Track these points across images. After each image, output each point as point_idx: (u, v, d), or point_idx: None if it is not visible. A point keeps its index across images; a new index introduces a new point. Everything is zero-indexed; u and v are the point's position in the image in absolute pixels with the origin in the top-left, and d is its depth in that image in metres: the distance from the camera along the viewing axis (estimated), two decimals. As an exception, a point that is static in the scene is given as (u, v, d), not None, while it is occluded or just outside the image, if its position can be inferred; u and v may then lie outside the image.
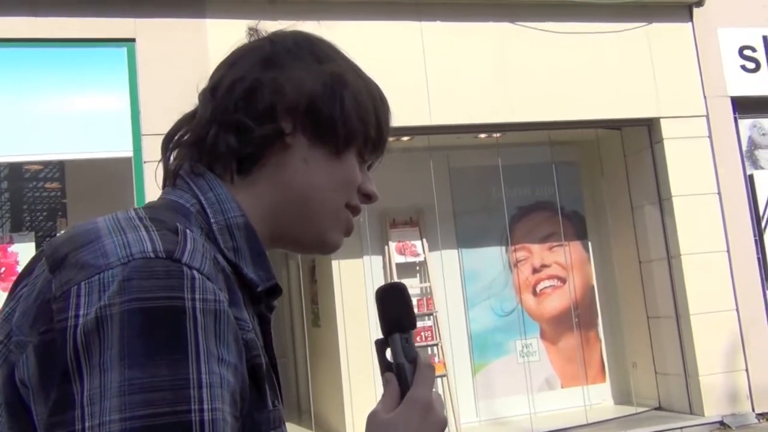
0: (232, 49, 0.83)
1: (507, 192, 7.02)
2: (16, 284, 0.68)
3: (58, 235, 0.70)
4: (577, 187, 7.71)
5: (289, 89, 0.77)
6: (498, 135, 7.00)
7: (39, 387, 0.59)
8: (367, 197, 0.84)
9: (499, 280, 7.33)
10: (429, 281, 6.85)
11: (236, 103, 0.76)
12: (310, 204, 0.79)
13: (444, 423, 0.76)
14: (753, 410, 6.58)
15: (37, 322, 0.60)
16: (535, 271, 7.42)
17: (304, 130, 0.77)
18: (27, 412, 0.60)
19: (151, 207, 0.74)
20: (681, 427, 6.38)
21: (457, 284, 7.13)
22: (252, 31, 0.84)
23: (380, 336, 0.83)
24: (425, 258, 6.75)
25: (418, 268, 6.90)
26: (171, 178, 0.78)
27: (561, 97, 6.51)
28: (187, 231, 0.66)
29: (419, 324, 6.79)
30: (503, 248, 7.35)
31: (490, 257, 7.29)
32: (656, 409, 6.97)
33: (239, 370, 0.64)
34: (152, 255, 0.61)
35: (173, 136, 0.80)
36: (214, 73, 0.82)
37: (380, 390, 0.78)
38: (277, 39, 0.82)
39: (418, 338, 6.72)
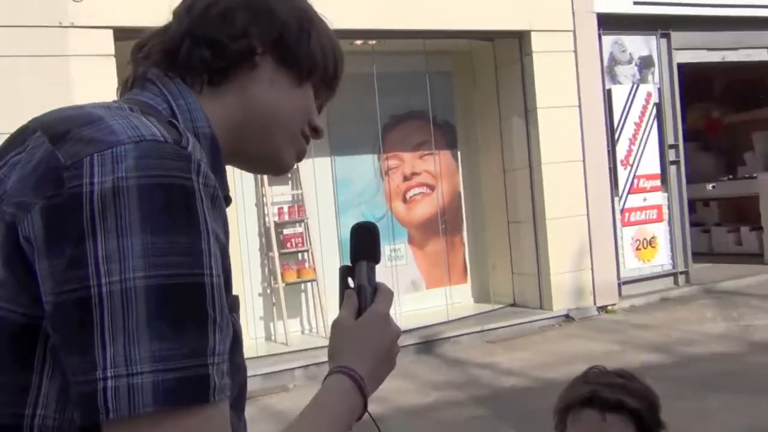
0: None
1: (381, 100, 7.04)
2: (3, 152, 0.73)
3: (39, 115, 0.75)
4: (449, 97, 7.86)
5: (262, 15, 0.84)
6: (374, 42, 6.93)
7: (44, 245, 0.63)
8: (315, 131, 0.90)
9: (370, 188, 7.47)
10: (301, 188, 6.87)
11: (212, 21, 0.82)
12: (271, 123, 0.84)
13: (398, 333, 0.88)
14: (595, 304, 7.28)
15: (43, 187, 0.64)
16: (405, 179, 7.61)
17: (273, 55, 0.84)
18: (27, 267, 0.65)
19: (131, 101, 0.78)
20: (531, 321, 6.98)
21: (328, 191, 7.21)
22: None
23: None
24: (297, 165, 6.68)
25: (289, 175, 6.87)
26: (140, 81, 0.82)
27: (437, 7, 6.50)
28: (181, 127, 0.72)
29: (290, 230, 6.85)
30: (375, 156, 7.46)
31: (363, 165, 7.39)
32: (511, 305, 7.55)
33: (227, 251, 0.71)
34: (162, 139, 0.66)
35: (143, 45, 0.85)
36: None
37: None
38: None
39: (288, 245, 6.79)
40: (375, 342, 0.86)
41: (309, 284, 6.93)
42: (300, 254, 6.89)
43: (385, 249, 7.46)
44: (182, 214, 0.64)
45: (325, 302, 6.75)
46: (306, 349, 6.30)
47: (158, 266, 0.61)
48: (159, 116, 0.74)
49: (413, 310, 7.34)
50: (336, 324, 0.89)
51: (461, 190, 7.94)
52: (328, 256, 7.14)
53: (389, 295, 0.90)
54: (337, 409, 0.82)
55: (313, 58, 0.86)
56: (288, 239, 6.81)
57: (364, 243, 0.93)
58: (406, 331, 6.66)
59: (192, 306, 0.62)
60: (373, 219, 7.41)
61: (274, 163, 0.89)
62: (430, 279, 7.70)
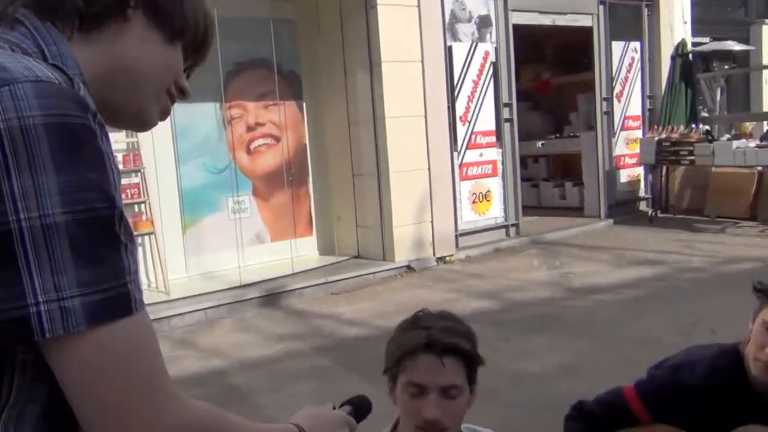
0: None
1: (223, 46, 6.70)
2: None
3: None
4: (294, 46, 7.69)
5: None
6: (214, -18, 6.58)
7: None
8: (182, 92, 0.92)
9: (212, 137, 7.19)
10: (136, 136, 6.47)
11: None
12: (139, 78, 0.86)
13: None
14: (434, 255, 7.59)
15: None
16: (249, 129, 7.40)
17: (145, 12, 0.85)
18: None
19: (2, 39, 0.76)
20: (374, 272, 7.15)
21: (167, 140, 6.84)
22: None
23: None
24: (132, 111, 6.32)
25: (123, 121, 6.44)
26: (8, 21, 0.80)
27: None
28: (70, 71, 0.74)
29: (126, 180, 6.46)
30: (217, 105, 7.17)
31: (204, 113, 7.08)
32: (355, 257, 7.69)
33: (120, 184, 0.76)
34: (56, 82, 0.69)
35: None
36: None
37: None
38: None
39: (124, 195, 6.39)
40: (332, 430, 0.99)
41: (146, 237, 6.60)
42: (136, 206, 6.53)
43: (229, 201, 7.28)
44: (89, 152, 0.68)
45: (164, 256, 6.48)
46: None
47: (74, 202, 0.66)
48: (40, 59, 0.75)
49: (257, 263, 7.26)
50: (308, 409, 1.02)
51: (307, 141, 7.87)
52: (167, 208, 6.84)
53: (354, 425, 1.05)
54: None
55: (184, 18, 0.88)
56: (123, 190, 6.39)
57: (362, 408, 1.12)
58: (249, 285, 6.60)
59: (107, 235, 0.69)
60: (215, 170, 7.23)
61: (138, 118, 0.90)
62: (275, 231, 7.62)
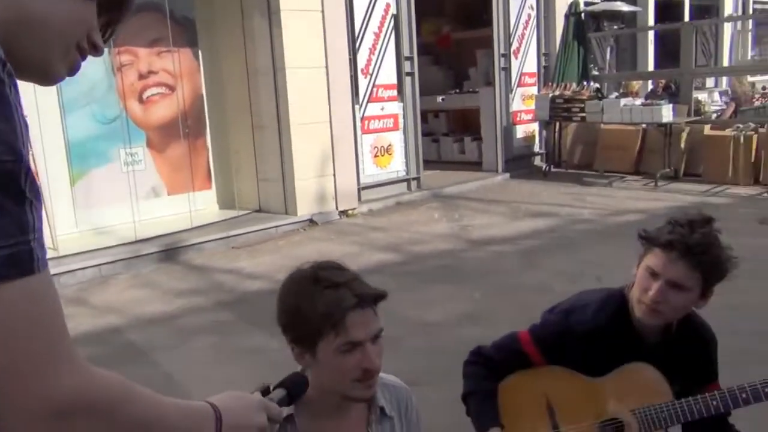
0: None
1: (110, -14, 6.31)
2: None
3: None
4: (188, -11, 7.33)
5: None
6: None
7: None
8: (95, 48, 0.88)
9: (101, 86, 6.78)
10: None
11: None
12: (46, 29, 0.81)
13: (264, 427, 0.98)
14: (337, 208, 7.60)
15: None
16: (141, 77, 7.03)
17: None
18: None
19: None
20: (276, 226, 7.08)
21: (50, 88, 6.40)
22: None
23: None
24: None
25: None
26: None
27: None
28: None
29: None
30: (105, 50, 6.75)
31: (90, 59, 6.62)
32: (256, 211, 7.57)
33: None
34: None
35: None
36: None
37: None
38: None
39: (3, 147, 5.97)
40: (248, 414, 0.96)
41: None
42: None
43: (121, 152, 6.94)
44: None
45: (52, 211, 6.13)
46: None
47: None
48: None
49: (153, 217, 7.01)
50: (230, 392, 1.00)
51: (203, 91, 7.58)
52: (53, 160, 6.44)
53: (279, 416, 1.03)
54: (193, 417, 0.88)
55: None
56: (1, 141, 5.97)
57: (297, 387, 1.13)
58: (145, 240, 6.37)
59: (11, 189, 0.66)
60: (105, 120, 6.85)
61: (42, 71, 0.85)
62: (172, 185, 7.35)
